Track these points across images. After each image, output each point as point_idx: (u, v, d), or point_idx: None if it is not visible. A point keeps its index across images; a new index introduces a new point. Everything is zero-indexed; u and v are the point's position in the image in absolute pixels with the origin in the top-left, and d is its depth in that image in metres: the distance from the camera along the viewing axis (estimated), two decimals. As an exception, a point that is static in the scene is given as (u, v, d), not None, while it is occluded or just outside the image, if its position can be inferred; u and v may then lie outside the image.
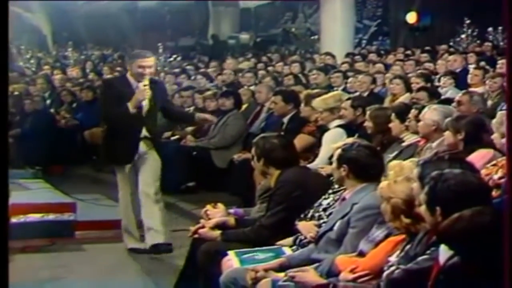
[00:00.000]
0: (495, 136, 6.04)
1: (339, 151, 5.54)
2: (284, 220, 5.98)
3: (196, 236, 6.34)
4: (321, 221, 5.70)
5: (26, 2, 25.99)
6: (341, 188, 5.76)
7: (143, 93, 7.91)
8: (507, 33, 1.97)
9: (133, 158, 8.09)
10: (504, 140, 5.69)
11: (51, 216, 8.64)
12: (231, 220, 6.37)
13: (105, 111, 8.38)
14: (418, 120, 7.03)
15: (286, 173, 6.14)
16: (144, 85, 7.90)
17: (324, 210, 5.80)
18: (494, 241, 3.25)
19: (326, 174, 6.92)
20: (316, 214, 5.82)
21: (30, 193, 9.81)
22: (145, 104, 8.03)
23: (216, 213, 6.54)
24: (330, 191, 5.91)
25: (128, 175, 8.19)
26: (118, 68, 17.09)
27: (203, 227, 6.33)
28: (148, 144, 8.15)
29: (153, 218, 8.08)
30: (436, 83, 10.85)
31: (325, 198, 5.90)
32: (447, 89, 10.35)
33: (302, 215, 5.90)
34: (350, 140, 5.88)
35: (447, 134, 6.37)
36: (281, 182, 6.13)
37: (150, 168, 8.14)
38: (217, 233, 6.21)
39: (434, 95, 9.04)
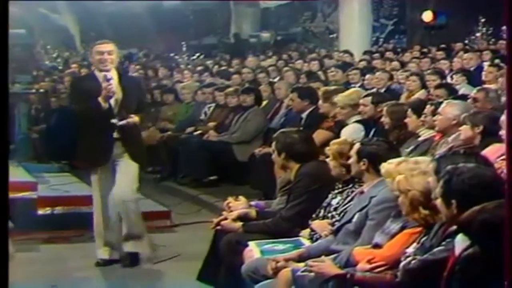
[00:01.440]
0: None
1: (358, 145, 5.55)
2: (303, 213, 6.01)
3: (218, 227, 6.36)
4: (334, 219, 5.72)
5: (53, 3, 26.11)
6: (346, 187, 5.82)
7: (108, 88, 7.19)
8: (507, 33, 1.94)
9: (106, 160, 7.37)
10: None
11: (78, 208, 8.67)
12: (252, 212, 6.40)
13: (76, 109, 7.59)
14: (434, 115, 7.01)
15: (305, 167, 6.16)
16: (111, 79, 7.23)
17: (335, 209, 5.81)
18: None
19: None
20: (329, 214, 5.85)
21: (57, 186, 9.85)
22: (114, 99, 7.28)
23: (238, 205, 6.57)
24: (336, 191, 5.91)
25: (101, 177, 7.43)
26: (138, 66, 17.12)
27: (225, 219, 6.36)
28: (120, 146, 7.38)
29: (129, 226, 7.39)
30: (449, 81, 10.83)
31: (333, 198, 5.91)
32: (460, 86, 10.32)
33: (314, 215, 5.92)
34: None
35: (465, 128, 6.35)
36: (301, 176, 6.15)
37: (125, 172, 7.38)
38: (238, 224, 6.25)
39: (452, 91, 9.02)
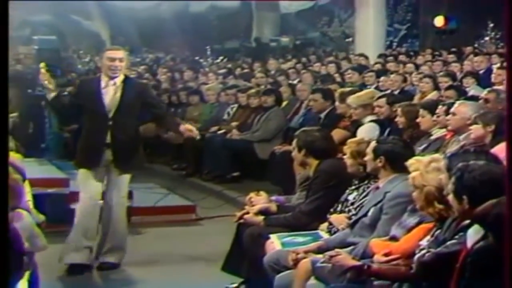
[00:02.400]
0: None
1: (374, 144, 5.54)
2: (322, 207, 6.02)
3: (241, 221, 6.37)
4: (350, 213, 5.73)
5: (87, 11, 26.27)
6: (362, 183, 5.82)
7: (115, 94, 6.88)
8: (507, 33, 1.90)
9: (95, 164, 6.93)
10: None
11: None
12: (273, 207, 6.42)
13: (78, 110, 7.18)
14: (447, 115, 6.97)
15: (324, 164, 6.16)
16: (115, 84, 6.90)
17: (352, 204, 5.81)
18: None
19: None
20: (346, 209, 5.84)
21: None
22: (111, 105, 6.91)
23: (259, 200, 6.59)
24: (353, 187, 5.91)
25: (89, 181, 6.96)
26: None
27: (247, 213, 6.37)
28: (110, 153, 6.95)
29: (115, 236, 7.06)
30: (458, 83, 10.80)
31: (350, 194, 5.90)
32: (470, 88, 10.28)
33: (332, 210, 5.91)
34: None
35: (477, 127, 6.33)
36: (319, 172, 6.16)
37: (116, 181, 7.01)
38: (260, 218, 6.26)
39: (461, 93, 9.00)
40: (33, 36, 17.28)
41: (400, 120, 7.66)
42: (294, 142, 6.36)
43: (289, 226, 6.06)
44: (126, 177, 7.03)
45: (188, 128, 7.24)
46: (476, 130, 6.32)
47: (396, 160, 5.26)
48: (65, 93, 12.74)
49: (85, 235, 6.94)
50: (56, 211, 8.10)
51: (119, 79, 6.93)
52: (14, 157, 6.02)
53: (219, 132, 11.83)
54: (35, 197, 6.91)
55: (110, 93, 6.91)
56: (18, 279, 4.10)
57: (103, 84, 6.91)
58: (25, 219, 4.82)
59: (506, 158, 1.96)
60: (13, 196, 4.64)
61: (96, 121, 6.91)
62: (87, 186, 6.95)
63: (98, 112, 6.87)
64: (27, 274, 4.44)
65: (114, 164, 6.91)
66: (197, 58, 21.12)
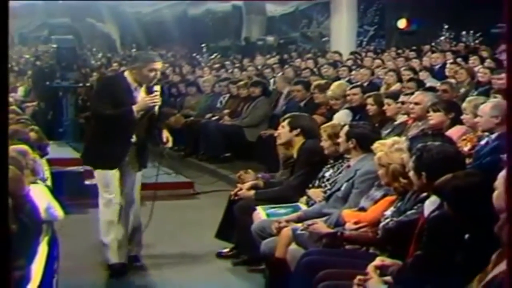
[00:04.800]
0: (468, 117, 6.02)
1: (347, 127, 5.53)
2: (306, 182, 5.99)
3: (236, 197, 6.32)
4: (326, 188, 5.71)
5: (100, 14, 26.16)
6: (336, 162, 5.81)
7: (154, 99, 5.89)
8: (507, 33, 1.85)
9: (120, 164, 6.03)
10: (476, 119, 5.70)
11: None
12: (261, 183, 6.40)
13: (98, 110, 6.05)
14: (409, 103, 6.93)
15: (307, 143, 6.12)
16: (156, 91, 5.91)
17: (328, 180, 5.79)
18: (480, 197, 3.22)
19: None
20: (322, 184, 5.82)
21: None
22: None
23: (248, 177, 6.59)
24: (329, 165, 5.88)
25: (112, 182, 6.05)
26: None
27: (240, 189, 6.35)
28: (133, 151, 6.09)
29: (141, 230, 6.27)
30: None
31: (326, 171, 5.89)
32: (426, 80, 10.27)
33: (310, 185, 5.89)
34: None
35: (439, 114, 6.29)
36: (303, 150, 6.12)
37: (135, 177, 6.17)
38: (251, 192, 6.23)
39: (419, 84, 9.01)
40: (51, 36, 17.17)
41: (371, 108, 7.63)
42: (287, 123, 6.25)
43: (277, 198, 6.02)
44: (140, 173, 6.26)
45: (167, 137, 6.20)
46: (438, 117, 6.30)
47: (365, 142, 5.25)
48: (80, 84, 12.75)
49: (117, 234, 6.09)
50: (73, 186, 8.10)
51: (158, 87, 5.99)
52: (33, 137, 5.99)
53: (213, 118, 11.78)
54: (55, 174, 6.93)
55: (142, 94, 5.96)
56: (38, 244, 4.08)
57: (131, 85, 5.95)
58: (42, 192, 4.79)
59: (506, 158, 1.90)
60: (32, 172, 4.62)
61: (127, 122, 5.91)
62: (110, 187, 6.03)
63: (133, 116, 5.89)
64: (46, 239, 4.41)
65: (139, 162, 6.12)
66: (194, 54, 21.00)
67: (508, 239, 1.77)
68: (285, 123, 6.30)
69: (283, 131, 6.27)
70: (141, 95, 5.93)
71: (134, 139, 6.03)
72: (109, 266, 6.05)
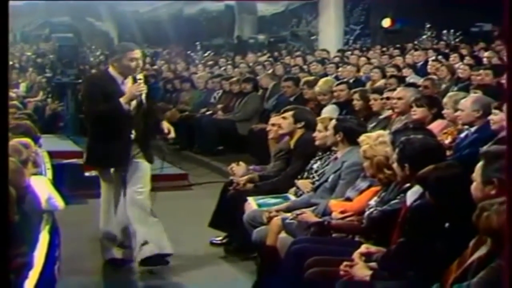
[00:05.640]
0: (449, 111, 6.06)
1: (334, 121, 5.53)
2: (301, 170, 5.96)
3: (234, 190, 6.24)
4: (314, 179, 5.70)
5: (99, 13, 26.08)
6: (324, 154, 5.79)
7: (138, 88, 5.58)
8: (507, 33, 1.84)
9: (126, 161, 5.68)
10: (457, 113, 5.73)
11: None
12: (256, 177, 6.30)
13: (91, 109, 5.72)
14: (393, 98, 6.94)
15: (307, 135, 6.08)
16: (140, 79, 5.61)
17: (316, 171, 5.78)
18: (460, 187, 3.23)
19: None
20: (311, 176, 5.81)
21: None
22: (135, 101, 5.64)
23: (239, 169, 6.54)
24: (317, 157, 5.87)
25: (113, 179, 5.82)
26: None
27: (237, 184, 6.24)
28: (137, 147, 5.72)
29: (149, 230, 5.74)
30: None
31: (314, 163, 5.87)
32: (409, 77, 10.28)
33: (299, 176, 5.88)
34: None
35: (422, 110, 6.30)
36: (302, 141, 6.10)
37: (141, 174, 5.74)
38: (250, 185, 6.18)
39: (400, 80, 9.02)
40: (52, 34, 17.11)
41: (357, 103, 7.63)
42: (291, 114, 6.18)
43: (276, 189, 5.98)
44: (149, 167, 5.82)
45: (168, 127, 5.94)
46: (421, 112, 6.31)
47: (352, 135, 5.24)
48: (80, 80, 12.70)
49: (117, 230, 5.84)
50: (73, 178, 8.06)
51: (141, 76, 5.74)
52: (30, 126, 5.96)
53: (207, 113, 11.77)
54: (56, 166, 6.90)
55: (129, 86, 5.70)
56: (39, 232, 4.08)
57: (117, 79, 5.68)
58: (44, 183, 4.78)
59: (506, 157, 1.89)
60: (33, 164, 4.60)
61: (120, 117, 5.59)
62: (108, 186, 5.81)
63: (123, 109, 5.60)
64: (48, 228, 4.40)
65: (144, 154, 5.74)
66: (189, 52, 20.95)
67: (508, 239, 1.75)
68: (288, 114, 6.21)
69: (286, 122, 6.19)
70: (128, 86, 5.65)
71: (133, 135, 5.67)
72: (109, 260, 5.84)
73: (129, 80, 5.68)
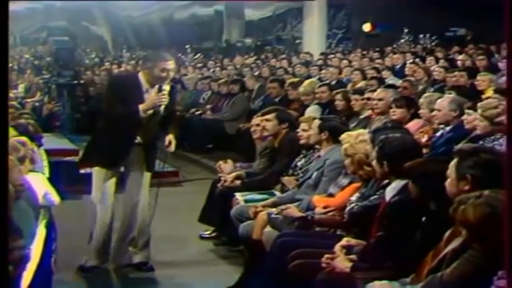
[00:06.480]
0: (425, 111, 6.09)
1: (319, 121, 5.54)
2: (286, 168, 5.96)
3: (222, 186, 6.22)
4: (298, 176, 5.71)
5: (93, 17, 25.98)
6: (308, 152, 5.80)
7: (161, 99, 5.22)
8: (507, 32, 1.84)
9: (120, 163, 5.40)
10: (434, 113, 5.75)
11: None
12: (243, 174, 6.29)
13: (107, 109, 5.37)
14: (374, 99, 6.95)
15: (290, 135, 6.08)
16: (164, 90, 5.23)
17: (300, 169, 5.79)
18: (440, 180, 3.25)
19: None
20: (295, 173, 5.82)
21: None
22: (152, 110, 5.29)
23: (227, 166, 6.53)
24: (301, 155, 5.87)
25: (107, 181, 5.39)
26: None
27: (225, 181, 6.21)
28: (139, 151, 5.41)
29: (145, 232, 5.57)
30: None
31: (298, 161, 5.88)
32: (388, 79, 10.32)
33: (284, 173, 5.87)
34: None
35: (402, 111, 6.32)
36: (286, 140, 6.10)
37: (140, 178, 5.46)
38: (237, 182, 6.16)
39: (380, 81, 9.05)
40: (49, 37, 17.05)
41: (339, 103, 7.64)
42: (274, 116, 6.16)
43: (262, 185, 5.97)
44: (148, 175, 5.53)
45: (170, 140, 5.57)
46: (401, 113, 6.33)
47: (337, 134, 5.25)
48: (75, 82, 12.66)
49: (108, 235, 5.51)
50: (69, 175, 8.01)
51: (167, 86, 5.32)
52: (33, 128, 5.94)
53: (197, 113, 11.76)
54: (53, 163, 6.86)
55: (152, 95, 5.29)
56: (36, 226, 4.06)
57: (143, 85, 5.29)
58: (41, 180, 4.76)
59: (506, 156, 1.89)
60: (30, 162, 4.58)
61: (133, 121, 5.26)
62: (105, 186, 5.41)
63: (138, 115, 5.24)
64: (44, 222, 4.39)
65: (146, 163, 5.46)
66: (179, 55, 20.92)
67: (508, 239, 1.76)
68: (271, 116, 6.18)
69: (271, 124, 6.16)
70: (150, 95, 5.26)
71: (139, 140, 5.35)
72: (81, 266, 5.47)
73: (154, 90, 5.27)
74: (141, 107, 5.19)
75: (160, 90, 5.22)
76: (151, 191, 5.63)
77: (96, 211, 5.44)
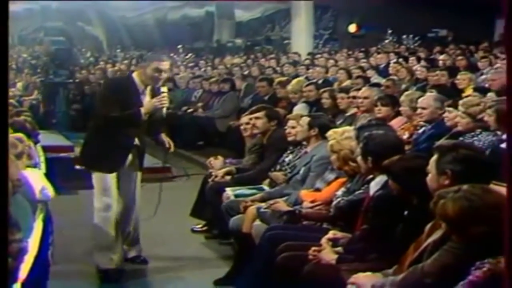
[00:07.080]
0: (406, 109, 6.14)
1: (308, 118, 5.55)
2: (275, 164, 5.97)
3: (212, 182, 6.21)
4: (286, 172, 5.71)
5: (89, 18, 25.89)
6: (295, 148, 5.80)
7: (162, 101, 5.02)
8: (507, 33, 1.85)
9: (120, 167, 5.20)
10: (419, 111, 5.78)
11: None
12: (233, 170, 6.30)
13: (106, 111, 5.05)
14: (359, 97, 6.97)
15: (278, 132, 6.09)
16: (163, 92, 5.05)
17: (288, 164, 5.79)
18: (421, 177, 3.26)
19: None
20: (283, 168, 5.82)
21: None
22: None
23: (217, 162, 6.53)
24: (289, 151, 5.88)
25: (109, 184, 5.18)
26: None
27: (216, 176, 6.22)
28: (135, 153, 5.27)
29: (136, 229, 5.57)
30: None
31: (286, 157, 5.88)
32: (373, 78, 10.35)
33: (272, 169, 5.88)
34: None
35: (386, 109, 6.35)
36: (274, 138, 6.11)
37: (134, 179, 5.37)
38: (227, 178, 6.16)
39: (365, 80, 9.07)
40: (46, 37, 17.00)
41: (326, 101, 7.66)
42: (264, 114, 6.16)
43: (251, 181, 5.97)
44: (140, 173, 5.45)
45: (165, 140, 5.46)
46: (386, 111, 6.37)
47: (325, 131, 5.25)
48: (71, 80, 12.62)
49: (113, 238, 5.28)
50: (65, 170, 8.00)
51: (165, 88, 5.18)
52: (30, 125, 5.93)
53: (188, 111, 11.74)
54: (49, 160, 6.84)
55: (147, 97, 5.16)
56: (34, 220, 4.05)
57: (139, 87, 5.10)
58: (38, 176, 4.74)
59: (506, 155, 1.89)
60: (27, 157, 4.57)
61: (133, 124, 5.09)
62: (109, 191, 5.19)
63: (140, 118, 5.07)
64: (41, 216, 4.38)
65: (139, 162, 5.34)
66: (172, 54, 20.89)
67: (508, 239, 1.77)
68: (261, 114, 6.17)
69: (261, 122, 6.15)
70: (147, 97, 5.10)
71: (136, 141, 5.20)
72: (101, 271, 5.25)
73: (148, 91, 5.12)
74: (143, 110, 5.03)
75: (158, 92, 5.06)
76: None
77: (104, 216, 5.23)
